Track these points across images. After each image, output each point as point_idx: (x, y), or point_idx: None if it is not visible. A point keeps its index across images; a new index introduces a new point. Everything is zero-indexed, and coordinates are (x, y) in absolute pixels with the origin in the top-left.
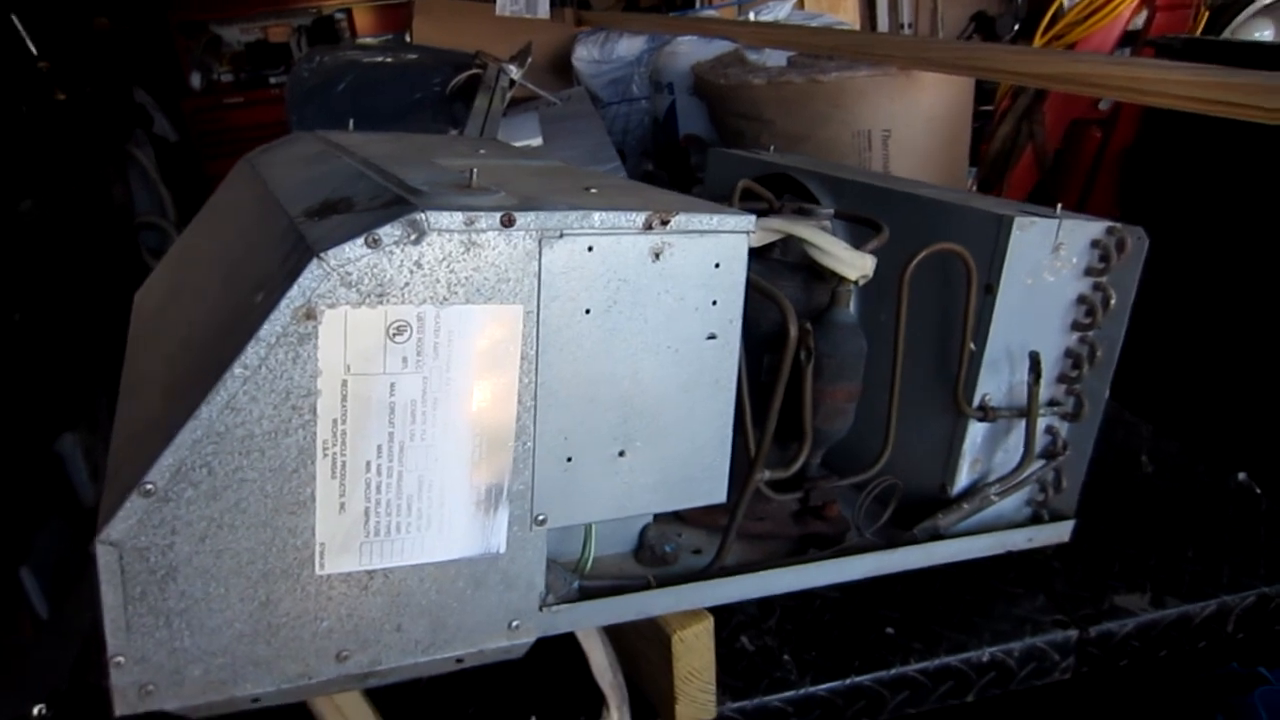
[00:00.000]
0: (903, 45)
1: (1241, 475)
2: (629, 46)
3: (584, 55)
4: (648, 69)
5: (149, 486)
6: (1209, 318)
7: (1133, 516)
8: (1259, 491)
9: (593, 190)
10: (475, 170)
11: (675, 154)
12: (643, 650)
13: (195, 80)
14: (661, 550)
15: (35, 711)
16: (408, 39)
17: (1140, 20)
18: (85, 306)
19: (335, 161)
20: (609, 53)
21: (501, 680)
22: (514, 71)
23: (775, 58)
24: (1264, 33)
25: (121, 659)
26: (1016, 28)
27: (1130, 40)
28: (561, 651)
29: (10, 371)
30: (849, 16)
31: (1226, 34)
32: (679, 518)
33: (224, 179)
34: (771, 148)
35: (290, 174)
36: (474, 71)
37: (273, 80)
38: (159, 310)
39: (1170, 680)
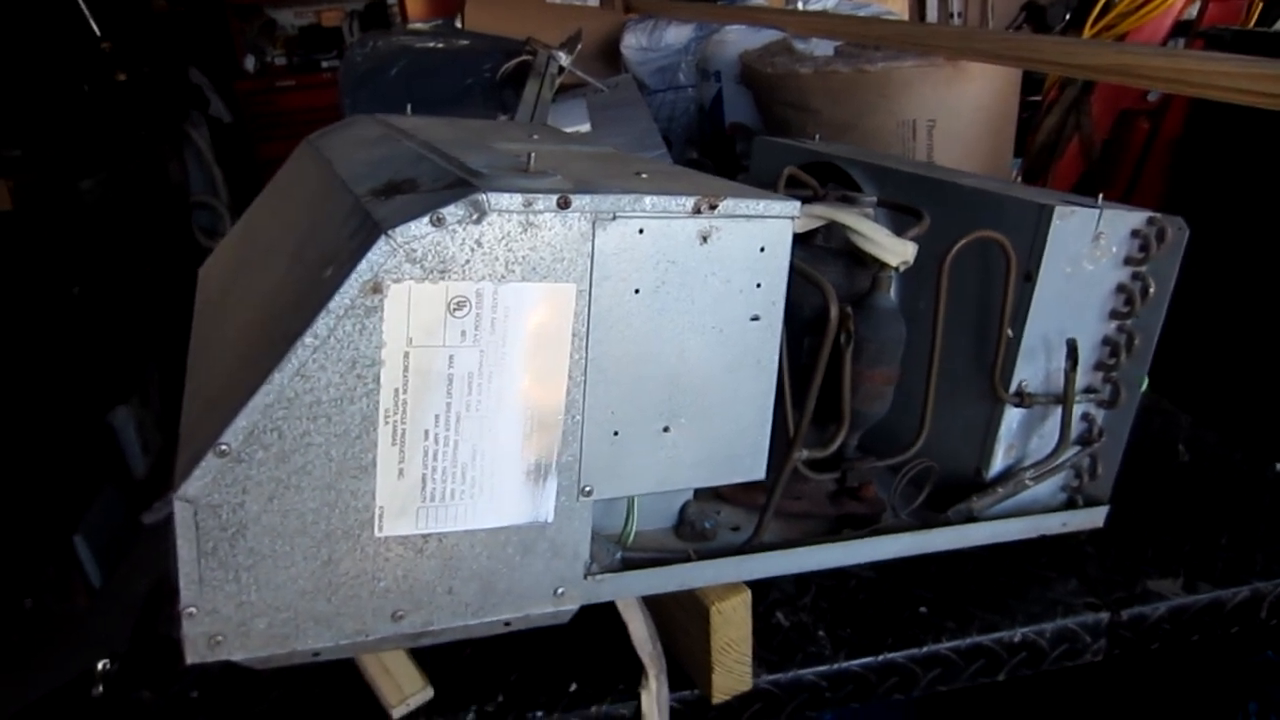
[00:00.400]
0: (951, 35)
1: (1278, 465)
2: (677, 35)
3: (632, 43)
4: (695, 57)
5: (223, 447)
6: (1253, 309)
7: (1168, 503)
8: None
9: (643, 175)
10: (533, 154)
11: (721, 142)
12: (681, 622)
13: (249, 63)
14: (701, 526)
15: (100, 667)
16: (458, 24)
17: (1193, 11)
18: (139, 282)
19: (396, 144)
20: (657, 41)
21: (543, 648)
22: (564, 58)
23: (823, 47)
24: None
25: (193, 610)
26: (1068, 17)
27: (1182, 31)
28: (601, 623)
29: (67, 345)
30: (897, 6)
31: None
32: (718, 495)
33: (285, 160)
34: (817, 136)
35: (353, 155)
36: (524, 58)
37: (324, 64)
38: (224, 285)
39: (1204, 668)
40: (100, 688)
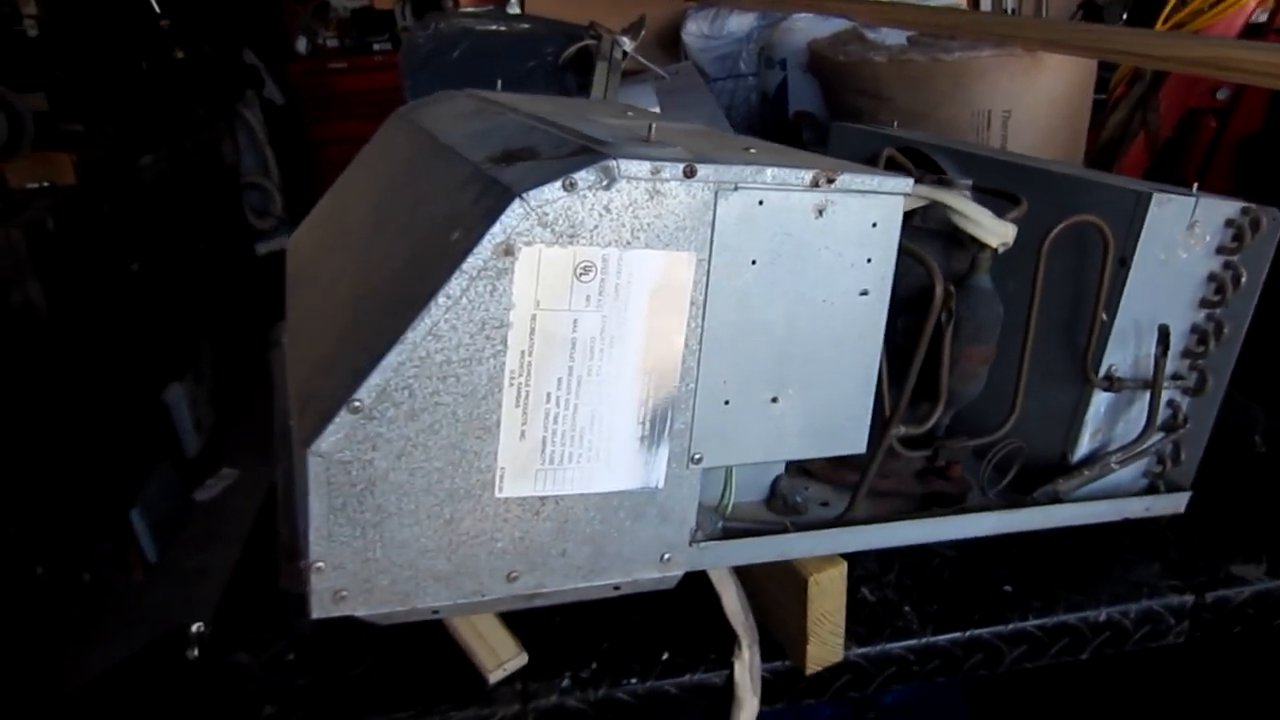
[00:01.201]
0: (1030, 26)
1: None
2: (739, 23)
3: (694, 30)
4: (757, 45)
5: (357, 404)
6: None
7: (1246, 492)
8: None
9: (751, 150)
10: (653, 126)
11: (784, 129)
12: (774, 594)
13: (301, 45)
14: (793, 500)
15: (194, 630)
16: (514, 8)
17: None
18: (194, 261)
19: (498, 116)
20: (719, 29)
21: (634, 618)
22: (628, 44)
23: (894, 36)
24: None
25: (321, 565)
26: (1125, 16)
27: (1253, 33)
28: (693, 594)
29: (125, 321)
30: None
31: None
32: (805, 472)
33: (374, 134)
34: (895, 124)
35: (455, 126)
36: (587, 42)
37: (376, 47)
38: (317, 254)
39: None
40: (195, 650)
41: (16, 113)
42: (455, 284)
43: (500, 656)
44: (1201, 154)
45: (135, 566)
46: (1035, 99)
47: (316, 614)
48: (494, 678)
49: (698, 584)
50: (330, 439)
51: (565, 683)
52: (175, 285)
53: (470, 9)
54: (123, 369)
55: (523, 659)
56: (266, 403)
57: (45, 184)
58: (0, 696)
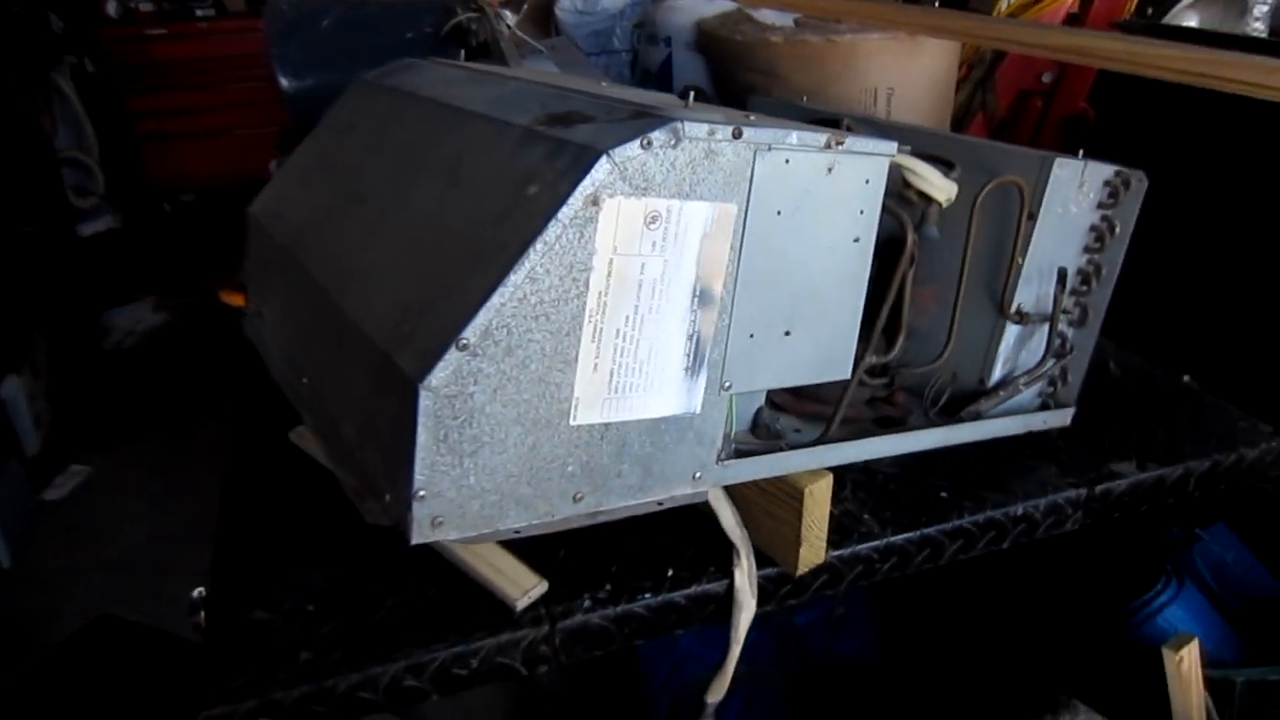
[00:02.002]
0: (912, 13)
1: (1186, 377)
2: (613, 0)
3: (567, 6)
4: (632, 22)
5: (464, 342)
6: (1162, 258)
7: (1111, 408)
8: (1200, 389)
9: (751, 117)
10: (692, 95)
11: None
12: (767, 508)
13: (111, 8)
14: (774, 428)
15: (195, 594)
16: None
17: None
18: (20, 245)
19: (510, 84)
20: (592, 5)
21: (636, 544)
22: (510, 18)
23: (779, 18)
24: (1191, 22)
25: (424, 493)
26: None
27: (1072, 23)
28: (683, 522)
29: None
30: None
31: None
32: (775, 405)
33: (339, 101)
34: (804, 99)
35: (465, 93)
36: (466, 15)
37: (200, 12)
38: (318, 217)
39: (1130, 544)
40: (201, 614)
41: None
42: (551, 231)
43: (523, 586)
44: (1031, 131)
45: None
46: (915, 78)
47: (415, 540)
48: (520, 605)
49: (684, 513)
50: (440, 374)
51: (586, 603)
52: (2, 271)
53: None
54: None
55: (544, 586)
56: (104, 395)
57: None
58: None
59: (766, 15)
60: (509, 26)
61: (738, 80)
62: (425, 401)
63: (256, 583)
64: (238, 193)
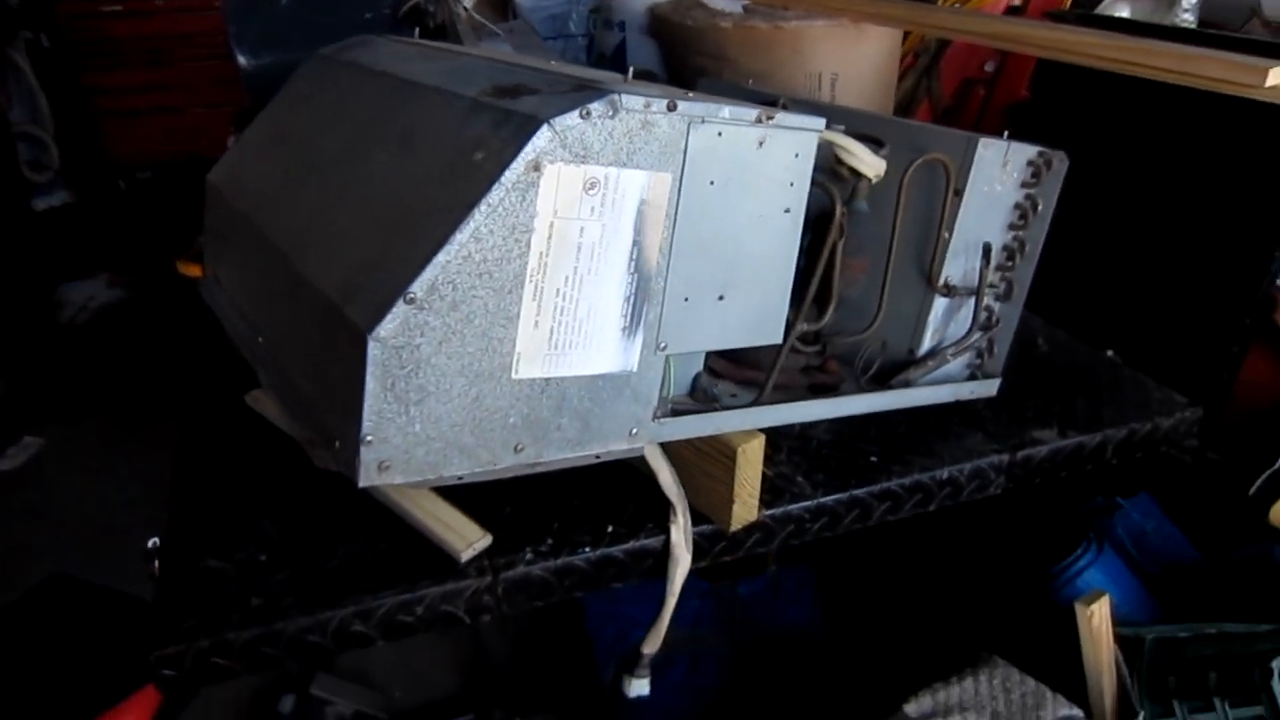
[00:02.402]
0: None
1: (1110, 352)
2: None
3: None
4: (588, 7)
5: (411, 295)
6: (1090, 239)
7: (1037, 379)
8: (1121, 363)
9: (690, 95)
10: (631, 71)
11: None
12: (702, 467)
13: None
14: (711, 392)
15: (150, 544)
16: None
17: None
18: None
19: (461, 59)
20: None
21: (578, 501)
22: (467, 0)
23: (729, 4)
24: (1123, 13)
25: (371, 438)
26: None
27: (1013, 13)
28: (623, 482)
29: None
30: None
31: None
32: (713, 371)
33: (296, 74)
34: (750, 82)
35: (418, 68)
36: None
37: None
38: (274, 186)
39: (1056, 512)
40: (156, 563)
41: None
42: (494, 194)
43: (468, 538)
44: (974, 118)
45: None
46: (859, 63)
47: (363, 483)
48: (465, 556)
49: (625, 473)
50: (388, 326)
51: (528, 556)
52: None
53: None
54: None
55: (488, 540)
56: (57, 368)
57: None
58: None
59: (718, 1)
60: (466, 9)
61: (689, 64)
62: (374, 351)
63: (211, 534)
64: (194, 170)
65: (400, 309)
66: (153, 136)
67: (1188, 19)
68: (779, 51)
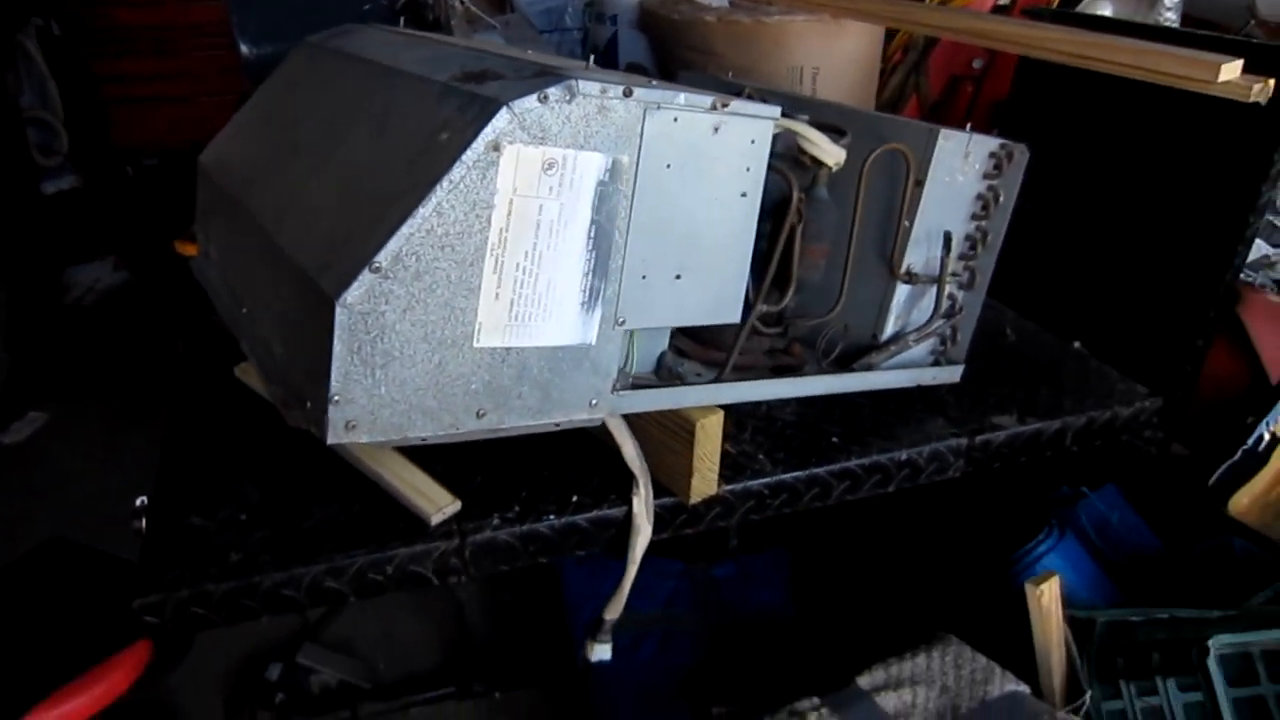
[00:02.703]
0: None
1: (1076, 344)
2: None
3: None
4: (583, 2)
5: (376, 265)
6: (1062, 233)
7: (1001, 369)
8: (1088, 354)
9: (654, 83)
10: (592, 59)
11: None
12: (665, 442)
13: None
14: (676, 370)
15: (138, 502)
16: None
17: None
18: None
19: (438, 47)
20: None
21: (546, 471)
22: None
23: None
24: (1105, 11)
25: (338, 398)
26: None
27: (1001, 12)
28: (591, 455)
29: None
30: None
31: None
32: (681, 352)
33: (284, 61)
34: (730, 74)
35: (399, 55)
36: None
37: None
38: (260, 166)
39: (1020, 502)
40: (142, 521)
41: None
42: (456, 171)
43: (438, 503)
44: (962, 114)
45: None
46: (839, 58)
47: (331, 440)
48: (435, 520)
49: (594, 447)
50: (355, 293)
51: (495, 521)
52: None
53: None
54: None
55: (457, 505)
56: (62, 348)
57: None
58: None
59: None
60: (462, 2)
61: (676, 58)
62: (341, 317)
63: (195, 494)
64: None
65: (366, 277)
66: (159, 124)
67: (1170, 18)
68: (761, 45)
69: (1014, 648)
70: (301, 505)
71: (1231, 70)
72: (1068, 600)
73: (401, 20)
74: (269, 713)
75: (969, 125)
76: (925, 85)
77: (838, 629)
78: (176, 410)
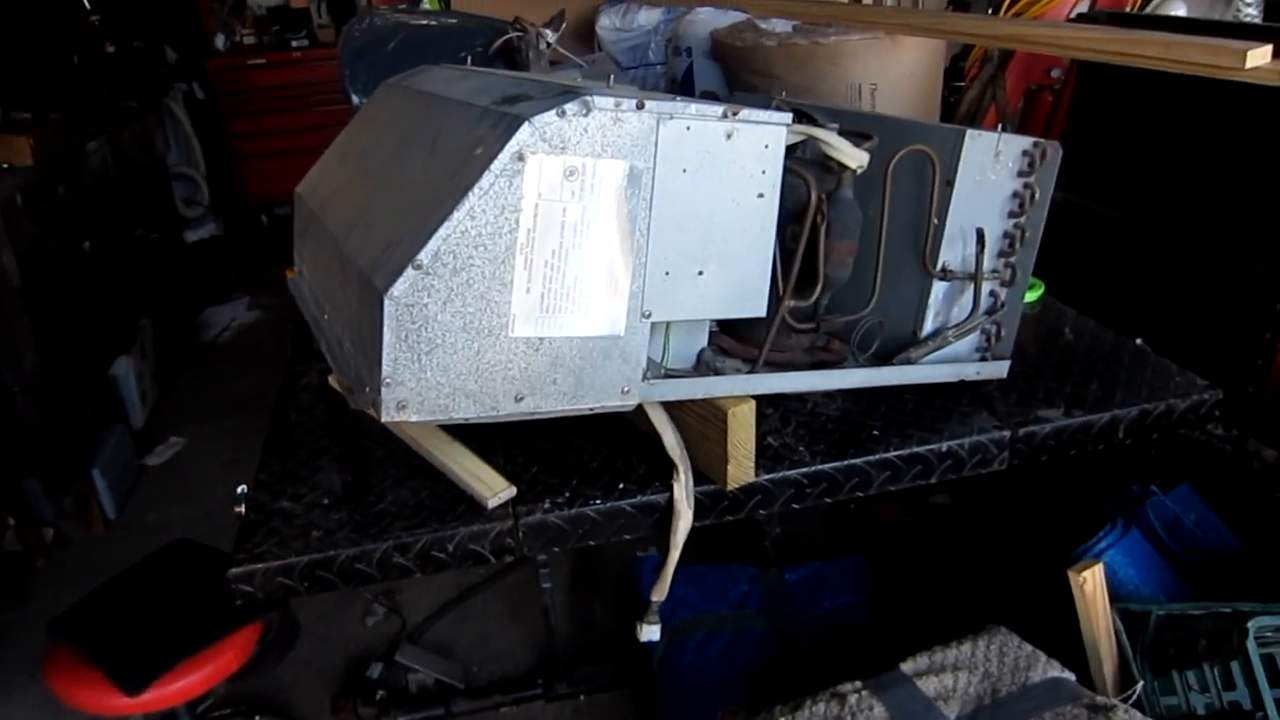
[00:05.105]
0: (888, 14)
1: (1138, 340)
2: (648, 17)
3: (606, 24)
4: (664, 37)
5: (419, 262)
6: (1129, 232)
7: (1054, 366)
8: (1148, 350)
9: (662, 94)
10: (611, 77)
11: None
12: (702, 431)
13: (219, 41)
14: (715, 366)
15: (239, 490)
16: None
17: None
18: (133, 243)
19: (489, 77)
20: (630, 22)
21: (594, 461)
22: (550, 36)
23: (782, 25)
24: (1179, 11)
25: (390, 381)
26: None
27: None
28: (638, 447)
29: (79, 295)
30: None
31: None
32: (722, 350)
33: (370, 101)
34: (784, 94)
35: (454, 86)
36: (513, 35)
37: (294, 44)
38: (341, 189)
39: (1090, 502)
40: (242, 507)
41: None
42: (485, 179)
43: (495, 489)
44: (1041, 125)
45: (95, 521)
46: (896, 73)
47: (385, 418)
48: (491, 504)
49: (639, 439)
50: (400, 287)
51: (546, 505)
52: (119, 265)
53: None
54: (78, 340)
55: (512, 491)
56: (201, 380)
57: (5, 165)
58: None
59: (775, 24)
60: (549, 44)
61: (741, 82)
62: (389, 308)
63: (286, 483)
64: None
65: (410, 274)
66: (288, 176)
67: (1251, 14)
68: (818, 65)
69: (1069, 642)
70: (375, 491)
71: (1260, 56)
72: (1129, 596)
73: (468, 59)
74: (370, 708)
75: (1000, 126)
76: (1002, 97)
77: (902, 626)
78: (278, 413)
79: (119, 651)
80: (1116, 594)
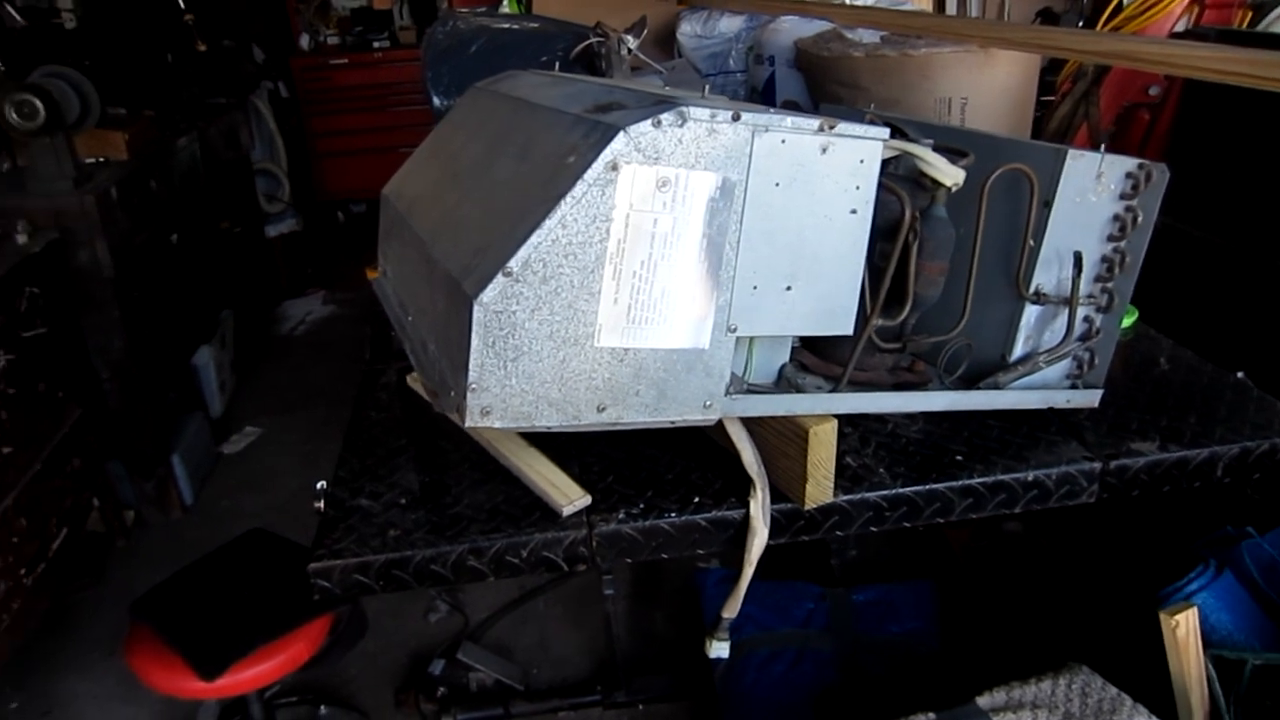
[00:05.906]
0: (983, 27)
1: (1240, 374)
2: (729, 24)
3: (687, 30)
4: (745, 45)
5: (509, 269)
6: (1231, 264)
7: (1150, 398)
8: (1250, 384)
9: (770, 110)
10: (706, 87)
11: None
12: (781, 448)
13: (304, 41)
14: (797, 383)
15: (319, 487)
16: (503, 7)
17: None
18: (218, 237)
19: (579, 84)
20: (710, 29)
21: (670, 474)
22: (632, 41)
23: (869, 35)
24: None
25: (475, 386)
26: (1080, 24)
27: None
28: (715, 460)
29: (165, 286)
30: (924, 3)
31: (1260, 29)
32: (804, 367)
33: (458, 105)
34: (872, 106)
35: (544, 93)
36: (594, 40)
37: (376, 44)
38: (429, 191)
39: (1179, 541)
40: (322, 503)
41: (84, 93)
42: (578, 188)
43: (571, 497)
44: (1138, 144)
45: (174, 506)
46: (989, 88)
47: (468, 424)
48: (566, 511)
49: (716, 454)
50: (490, 294)
51: (621, 515)
52: (203, 257)
53: (481, 9)
54: (163, 329)
55: (588, 499)
56: (277, 371)
57: (102, 159)
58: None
59: (861, 34)
60: (630, 50)
61: (827, 93)
62: (478, 314)
63: (365, 480)
64: None
65: (500, 280)
66: (366, 174)
67: None
68: (906, 78)
69: (1155, 687)
70: (453, 493)
71: None
72: (1222, 642)
73: (556, 65)
74: (432, 704)
75: (1104, 146)
76: (1096, 114)
77: (973, 657)
78: (357, 411)
79: (197, 636)
80: (1208, 639)
